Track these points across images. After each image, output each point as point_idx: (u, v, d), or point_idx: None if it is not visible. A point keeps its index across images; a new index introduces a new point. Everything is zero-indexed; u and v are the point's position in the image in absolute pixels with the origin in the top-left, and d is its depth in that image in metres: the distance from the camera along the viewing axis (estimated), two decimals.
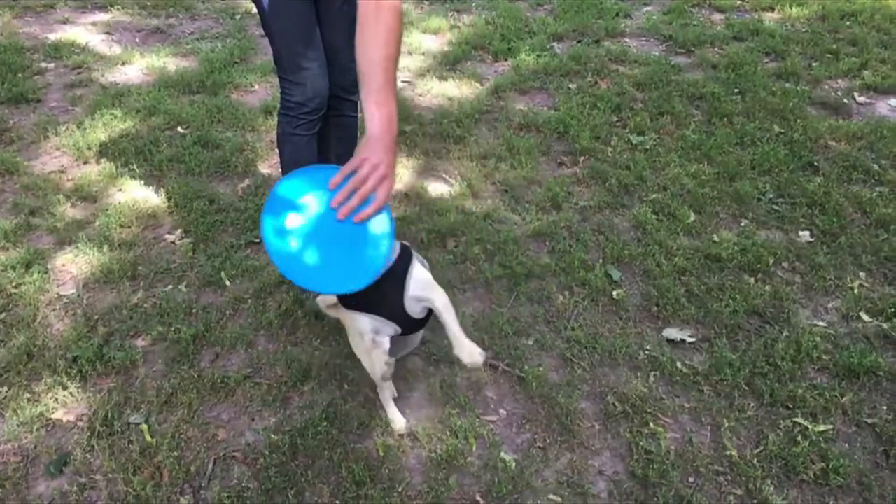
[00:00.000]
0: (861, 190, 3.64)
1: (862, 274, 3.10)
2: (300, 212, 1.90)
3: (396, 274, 2.07)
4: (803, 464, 2.27)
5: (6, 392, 2.50)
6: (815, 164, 3.85)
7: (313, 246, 1.88)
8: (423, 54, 5.16)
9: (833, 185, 3.65)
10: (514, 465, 2.29)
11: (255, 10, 2.66)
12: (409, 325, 2.16)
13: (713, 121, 4.28)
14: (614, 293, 2.97)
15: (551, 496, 2.21)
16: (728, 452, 2.33)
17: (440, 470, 2.26)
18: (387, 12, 1.94)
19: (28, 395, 2.49)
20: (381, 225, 1.89)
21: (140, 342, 2.74)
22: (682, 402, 2.52)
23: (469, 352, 2.06)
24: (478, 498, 2.20)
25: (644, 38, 5.53)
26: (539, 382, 2.56)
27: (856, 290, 3.00)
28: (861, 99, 4.59)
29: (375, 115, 1.92)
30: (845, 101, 4.55)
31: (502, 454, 2.32)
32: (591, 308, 2.92)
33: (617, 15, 5.89)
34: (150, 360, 2.66)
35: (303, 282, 1.91)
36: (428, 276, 2.17)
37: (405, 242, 2.21)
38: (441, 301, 2.11)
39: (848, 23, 5.72)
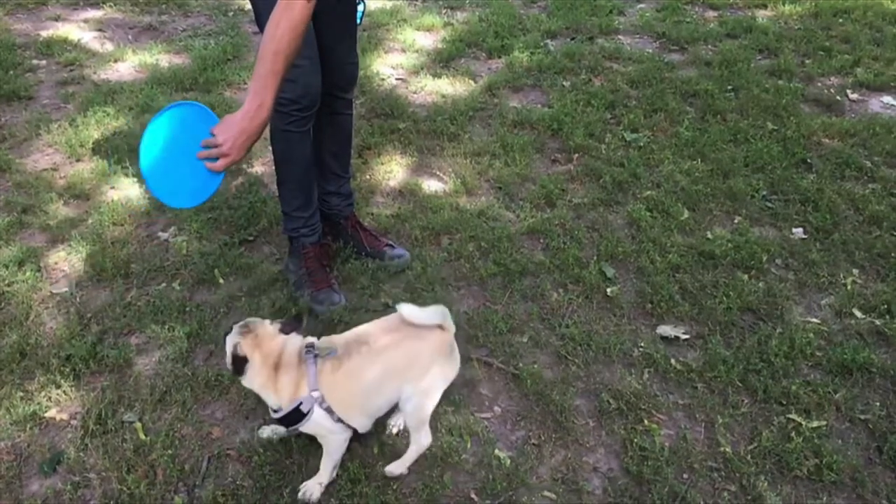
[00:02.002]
0: (854, 187, 3.66)
1: (855, 270, 3.12)
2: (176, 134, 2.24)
3: None
4: (797, 460, 2.28)
5: None
6: (809, 161, 3.87)
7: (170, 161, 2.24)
8: (417, 51, 5.15)
9: (826, 182, 3.66)
10: (508, 462, 2.29)
11: (248, 6, 2.64)
12: None
13: (707, 118, 4.29)
14: (608, 290, 2.98)
15: (546, 493, 2.21)
16: (722, 449, 2.34)
17: (435, 467, 2.26)
18: (295, 11, 2.14)
19: (21, 394, 2.48)
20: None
21: (134, 340, 2.73)
22: (677, 399, 2.52)
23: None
24: (472, 495, 2.20)
25: (638, 36, 5.54)
26: (533, 380, 2.56)
27: (849, 287, 3.02)
28: (854, 96, 4.61)
29: (248, 99, 2.17)
30: (838, 98, 4.56)
31: (497, 451, 2.33)
32: (586, 305, 2.92)
33: (610, 12, 5.89)
34: (144, 358, 2.65)
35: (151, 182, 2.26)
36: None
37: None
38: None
39: (841, 20, 5.74)
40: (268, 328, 2.13)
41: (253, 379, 2.09)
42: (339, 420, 2.09)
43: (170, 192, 2.24)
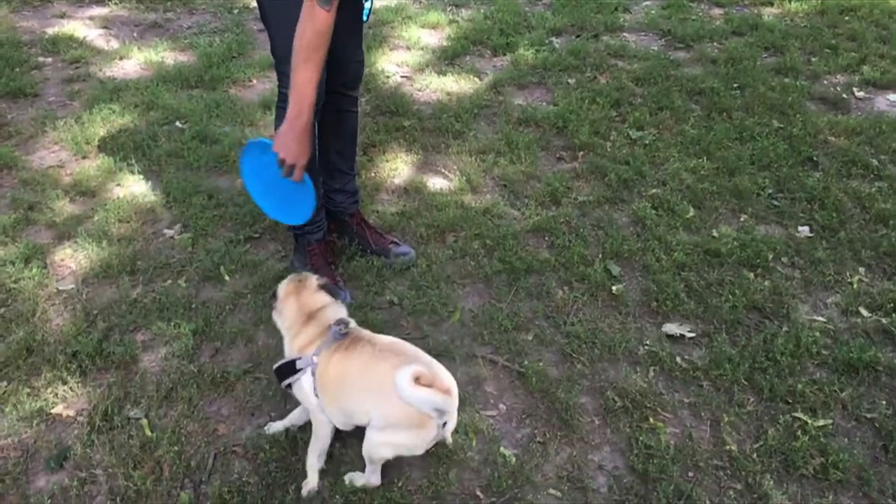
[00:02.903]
0: (860, 185, 3.64)
1: (861, 269, 3.11)
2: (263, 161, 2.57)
3: None
4: (803, 458, 2.28)
5: (6, 387, 2.50)
6: (815, 159, 3.86)
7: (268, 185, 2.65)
8: (422, 49, 5.15)
9: (832, 181, 3.65)
10: (514, 459, 2.29)
11: (253, 4, 2.66)
12: None
13: (712, 116, 4.28)
14: (614, 288, 2.98)
15: (551, 491, 2.21)
16: (728, 447, 2.33)
17: (440, 465, 2.26)
18: (319, 20, 2.32)
19: (28, 390, 2.49)
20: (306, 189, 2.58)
21: (140, 337, 2.73)
22: (682, 397, 2.52)
23: None
24: (478, 492, 2.21)
25: (643, 33, 5.52)
26: (539, 377, 2.56)
27: (855, 286, 3.01)
28: (860, 94, 4.59)
29: (289, 109, 2.41)
30: (844, 96, 4.55)
31: (502, 449, 2.33)
32: (591, 303, 2.92)
33: (616, 9, 5.87)
34: (150, 354, 2.66)
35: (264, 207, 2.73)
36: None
37: None
38: None
39: (847, 18, 5.72)
40: (313, 282, 2.29)
41: (282, 316, 2.27)
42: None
43: (295, 213, 2.65)
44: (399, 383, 1.93)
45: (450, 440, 2.25)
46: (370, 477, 2.16)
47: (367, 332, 2.21)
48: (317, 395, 2.14)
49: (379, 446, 2.07)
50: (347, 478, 2.19)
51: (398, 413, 2.00)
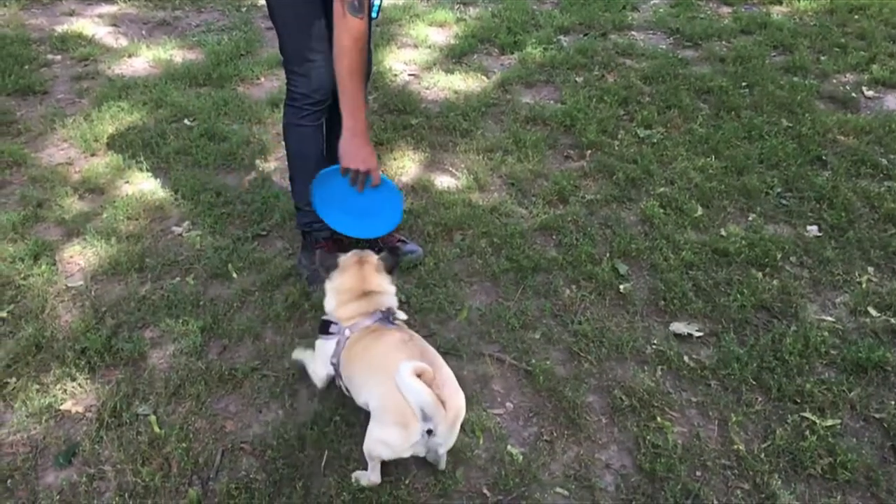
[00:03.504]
0: (869, 184, 3.63)
1: (870, 269, 3.10)
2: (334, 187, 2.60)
3: None
4: (811, 458, 2.27)
5: (15, 383, 2.51)
6: (824, 158, 3.84)
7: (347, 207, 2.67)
8: (430, 47, 5.15)
9: (841, 180, 3.63)
10: (520, 458, 2.29)
11: (261, 2, 2.67)
12: None
13: (721, 115, 4.26)
14: (621, 287, 2.97)
15: (558, 489, 2.21)
16: (735, 447, 2.33)
17: (447, 463, 2.26)
18: (353, 28, 2.38)
19: (37, 387, 2.50)
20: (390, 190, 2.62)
21: (148, 334, 2.74)
22: (690, 397, 2.52)
23: None
24: (485, 491, 2.21)
25: (651, 32, 5.51)
26: (546, 376, 2.56)
27: (864, 285, 3.00)
28: (869, 93, 4.57)
29: (344, 121, 2.48)
30: (853, 95, 4.53)
31: (509, 447, 2.33)
32: (599, 302, 2.92)
33: (624, 8, 5.86)
34: (158, 351, 2.67)
35: (353, 231, 2.77)
36: None
37: None
38: None
39: (856, 16, 5.69)
40: (374, 261, 2.37)
41: (335, 282, 2.34)
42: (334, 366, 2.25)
43: (384, 219, 2.70)
44: (400, 368, 1.94)
45: (442, 465, 2.22)
46: (370, 475, 2.16)
47: (409, 331, 2.23)
48: (333, 363, 2.25)
49: (372, 441, 2.07)
50: (354, 476, 2.20)
51: (387, 404, 2.01)
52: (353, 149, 2.47)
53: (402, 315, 2.35)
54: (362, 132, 2.48)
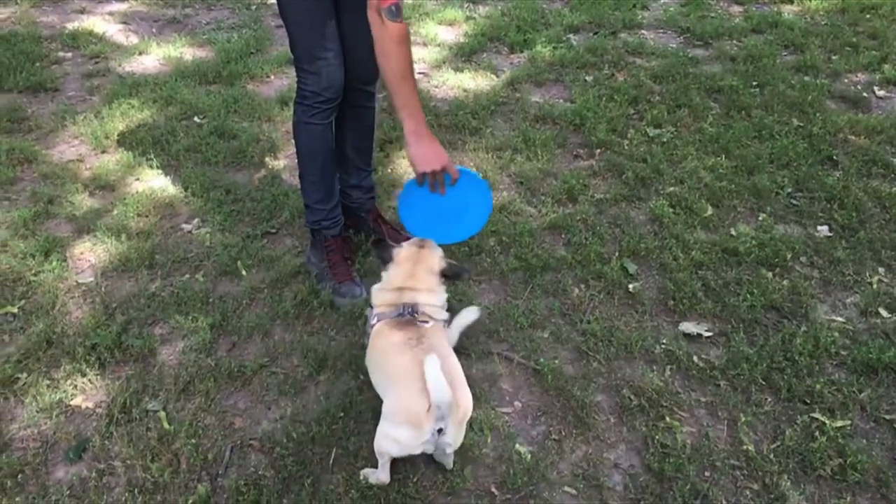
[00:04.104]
0: (881, 185, 3.61)
1: (881, 269, 3.08)
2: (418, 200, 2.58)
3: None
4: (820, 459, 2.26)
5: (26, 378, 2.52)
6: (834, 158, 3.82)
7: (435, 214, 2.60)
8: (439, 45, 5.14)
9: (852, 180, 3.61)
10: (529, 457, 2.29)
11: (271, 0, 2.67)
12: None
13: (731, 114, 4.25)
14: (630, 286, 2.96)
15: (566, 489, 2.21)
16: (745, 447, 2.32)
17: (455, 461, 2.25)
18: (393, 31, 2.37)
19: (47, 382, 2.51)
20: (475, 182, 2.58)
21: (158, 330, 2.75)
22: (699, 397, 2.51)
23: None
24: (493, 489, 2.21)
25: (661, 30, 5.49)
26: (554, 375, 2.55)
27: (875, 286, 2.98)
28: (881, 93, 4.55)
29: (405, 126, 2.44)
30: (865, 94, 4.50)
31: (517, 446, 2.33)
32: (607, 301, 2.91)
33: (634, 6, 5.85)
34: (168, 348, 2.68)
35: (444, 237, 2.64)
36: None
37: None
38: None
39: (868, 16, 5.66)
40: (429, 262, 2.38)
41: (387, 274, 2.40)
42: None
43: (475, 215, 2.65)
44: (430, 362, 1.94)
45: (449, 464, 2.23)
46: (379, 473, 2.17)
47: (424, 330, 2.20)
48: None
49: (382, 438, 2.08)
50: (363, 474, 2.20)
51: (399, 403, 2.04)
52: (422, 151, 2.43)
53: (441, 315, 2.33)
54: (426, 132, 2.45)
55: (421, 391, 1.95)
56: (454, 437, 2.04)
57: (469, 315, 2.56)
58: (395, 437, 2.03)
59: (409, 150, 2.45)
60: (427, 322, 2.24)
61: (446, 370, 1.99)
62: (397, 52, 2.39)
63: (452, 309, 2.84)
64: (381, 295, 2.36)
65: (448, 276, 2.43)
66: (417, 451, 2.05)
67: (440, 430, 1.97)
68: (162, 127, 4.05)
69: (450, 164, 2.46)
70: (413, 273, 2.36)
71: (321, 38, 2.61)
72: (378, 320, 2.28)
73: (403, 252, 2.42)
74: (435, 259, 2.41)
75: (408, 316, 2.24)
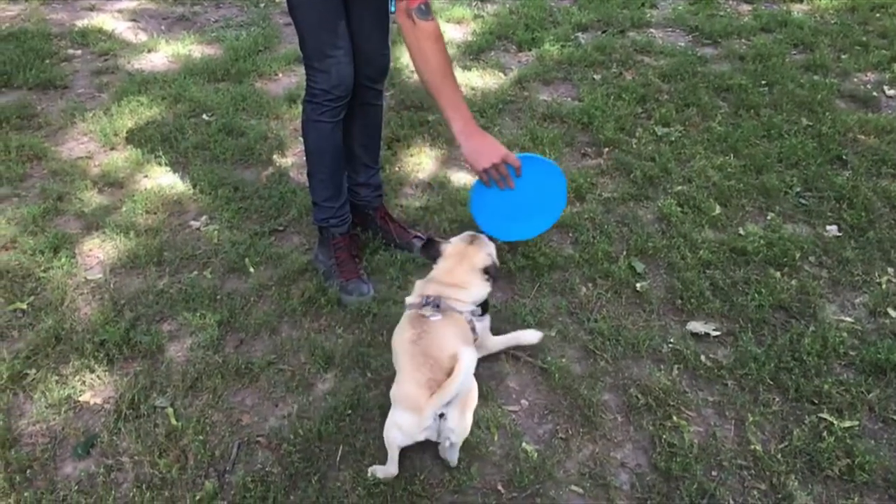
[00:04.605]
0: (890, 184, 3.59)
1: (890, 269, 3.07)
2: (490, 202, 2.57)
3: None
4: (828, 459, 2.26)
5: (35, 374, 2.53)
6: (844, 157, 3.81)
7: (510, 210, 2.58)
8: (447, 44, 5.08)
9: (861, 180, 3.60)
10: (535, 455, 2.29)
11: None
12: None
13: (740, 113, 4.23)
14: (638, 285, 2.96)
15: (573, 487, 2.21)
16: (752, 447, 2.31)
17: (462, 459, 2.26)
18: (428, 30, 2.38)
19: (56, 378, 2.52)
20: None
21: (166, 327, 2.76)
22: (706, 396, 2.50)
23: None
24: (499, 487, 2.21)
25: (670, 29, 5.48)
26: (561, 374, 2.55)
27: (884, 286, 2.97)
28: (891, 92, 4.52)
29: (453, 125, 2.41)
30: (875, 94, 4.48)
31: (524, 444, 2.33)
32: (615, 300, 2.91)
33: (642, 5, 5.83)
34: (176, 344, 2.69)
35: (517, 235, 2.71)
36: None
37: None
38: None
39: (878, 15, 5.63)
40: (473, 259, 2.41)
41: (439, 265, 2.43)
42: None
43: (553, 203, 2.63)
44: (466, 353, 2.02)
45: (453, 460, 2.23)
46: (388, 466, 2.17)
47: (442, 322, 2.25)
48: None
49: (387, 426, 2.12)
50: (371, 470, 2.20)
51: (400, 390, 2.11)
52: (475, 147, 2.41)
53: (465, 308, 2.33)
54: (476, 129, 2.42)
55: (421, 381, 2.04)
56: (457, 424, 2.05)
57: (528, 336, 2.58)
58: (399, 423, 2.07)
59: (463, 151, 2.44)
60: (437, 315, 2.26)
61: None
62: (433, 50, 2.38)
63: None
64: (418, 287, 2.41)
65: (492, 274, 2.43)
66: (420, 437, 2.07)
67: (442, 416, 2.00)
68: (170, 124, 4.07)
69: (509, 154, 2.42)
70: (454, 269, 2.38)
71: (331, 35, 2.61)
72: (406, 309, 2.35)
73: (451, 248, 2.45)
74: (480, 256, 2.42)
75: (430, 307, 2.28)
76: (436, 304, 2.30)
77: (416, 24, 2.34)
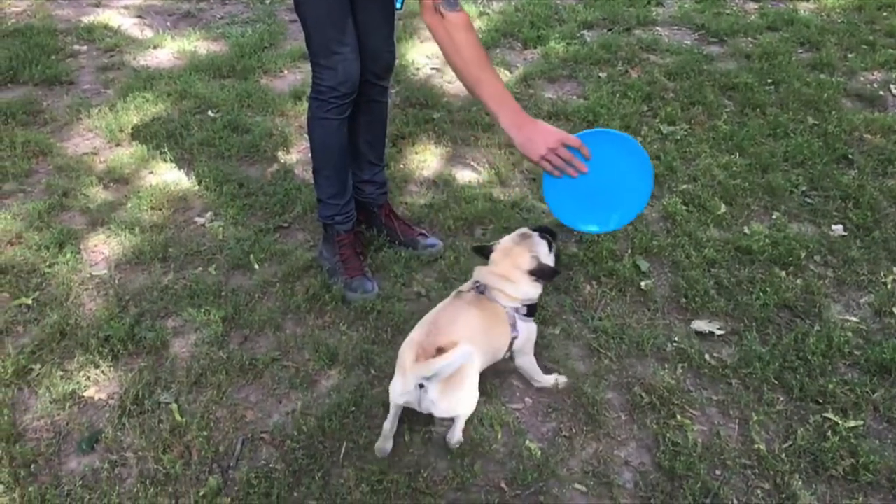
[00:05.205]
0: None
1: (895, 269, 3.05)
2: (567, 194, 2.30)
3: None
4: (832, 459, 2.25)
5: (40, 369, 2.54)
6: (850, 156, 3.80)
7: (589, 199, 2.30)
8: None
9: (867, 179, 3.59)
10: (539, 453, 2.29)
11: None
12: None
13: (746, 112, 4.22)
14: (642, 284, 2.95)
15: (577, 485, 2.21)
16: (756, 446, 2.31)
17: (465, 456, 2.26)
18: (459, 21, 2.25)
19: (61, 373, 2.53)
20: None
21: (170, 323, 2.77)
22: (710, 395, 2.50)
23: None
24: (503, 485, 2.21)
25: (676, 27, 5.47)
26: (565, 372, 2.55)
27: (889, 286, 2.96)
28: None
29: (501, 120, 2.24)
30: (881, 93, 4.47)
31: (528, 442, 2.32)
32: (619, 298, 2.90)
33: (648, 3, 5.82)
34: (180, 340, 2.69)
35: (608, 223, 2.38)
36: None
37: None
38: None
39: (885, 14, 5.61)
40: (518, 258, 2.34)
41: (495, 258, 2.38)
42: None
43: (640, 181, 2.29)
44: (464, 348, 2.05)
45: (454, 439, 2.27)
46: (382, 438, 2.26)
47: (478, 314, 2.27)
48: None
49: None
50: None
51: (401, 350, 2.16)
52: (527, 135, 2.20)
53: (508, 302, 2.32)
54: (525, 119, 2.22)
55: (411, 343, 2.12)
56: (438, 399, 2.06)
57: (555, 380, 2.53)
58: (392, 383, 2.14)
59: (516, 145, 2.24)
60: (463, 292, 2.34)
61: (447, 331, 2.14)
62: (467, 41, 2.24)
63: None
64: (475, 274, 2.41)
65: (537, 275, 2.33)
66: (401, 401, 2.12)
67: (422, 386, 2.04)
68: (176, 120, 4.07)
69: (566, 136, 2.18)
70: (500, 264, 2.36)
71: (337, 32, 2.61)
72: (468, 288, 2.38)
73: (501, 245, 2.41)
74: (525, 258, 2.34)
75: (477, 292, 2.31)
76: (481, 290, 2.31)
77: (445, 16, 2.24)
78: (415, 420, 2.37)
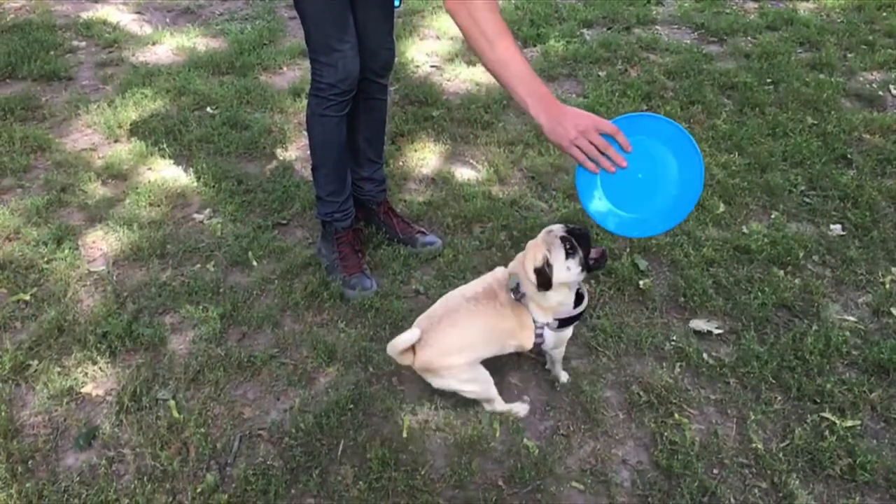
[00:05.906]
0: (895, 184, 3.58)
1: (894, 269, 3.06)
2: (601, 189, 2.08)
3: None
4: (830, 459, 2.25)
5: (37, 365, 2.54)
6: (849, 156, 3.80)
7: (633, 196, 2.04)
8: (452, 39, 5.13)
9: (866, 179, 3.59)
10: (537, 451, 2.29)
11: None
12: None
13: (745, 111, 4.22)
14: (641, 283, 2.95)
15: (574, 483, 2.21)
16: (754, 445, 2.31)
17: (463, 454, 2.26)
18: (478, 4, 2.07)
19: (58, 369, 2.53)
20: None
21: (168, 319, 2.77)
22: (708, 394, 2.50)
23: None
24: (500, 483, 2.21)
25: (675, 26, 5.46)
26: (563, 370, 2.55)
27: (887, 286, 2.96)
28: None
29: (535, 112, 2.04)
30: (880, 93, 4.47)
31: (525, 440, 2.33)
32: (618, 297, 2.90)
33: (648, 2, 5.81)
34: (178, 337, 2.69)
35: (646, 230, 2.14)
36: None
37: None
38: None
39: (884, 13, 5.61)
40: (538, 255, 2.21)
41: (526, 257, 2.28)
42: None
43: (691, 176, 1.98)
44: (415, 328, 2.24)
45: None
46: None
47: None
48: None
49: None
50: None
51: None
52: (555, 118, 2.00)
53: (541, 318, 2.28)
54: (555, 105, 2.02)
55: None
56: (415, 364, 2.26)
57: (566, 378, 2.54)
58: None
59: (544, 131, 2.04)
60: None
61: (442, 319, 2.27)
62: (491, 19, 2.06)
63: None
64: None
65: (539, 274, 2.18)
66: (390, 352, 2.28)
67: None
68: (174, 117, 4.06)
69: (600, 121, 1.96)
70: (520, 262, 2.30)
71: (337, 30, 2.60)
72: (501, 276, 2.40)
73: (532, 242, 2.30)
74: (539, 254, 2.19)
75: (515, 299, 2.27)
76: (519, 297, 2.25)
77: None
78: (415, 418, 2.37)
